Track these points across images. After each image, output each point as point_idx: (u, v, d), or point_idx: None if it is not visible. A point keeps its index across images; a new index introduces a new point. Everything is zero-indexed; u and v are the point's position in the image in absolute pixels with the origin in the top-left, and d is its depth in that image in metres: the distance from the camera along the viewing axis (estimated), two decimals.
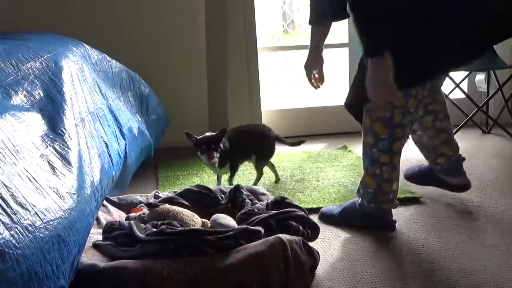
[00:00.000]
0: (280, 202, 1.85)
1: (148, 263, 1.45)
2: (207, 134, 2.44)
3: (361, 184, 2.01)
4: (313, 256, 1.64)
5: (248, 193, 1.97)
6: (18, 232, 1.07)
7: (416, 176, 2.35)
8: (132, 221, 1.66)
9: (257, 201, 1.92)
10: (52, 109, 1.61)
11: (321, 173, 2.68)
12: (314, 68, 2.16)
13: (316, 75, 2.17)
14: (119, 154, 2.02)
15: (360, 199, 2.02)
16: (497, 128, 3.35)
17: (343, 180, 2.55)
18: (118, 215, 1.97)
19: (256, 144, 2.53)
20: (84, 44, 2.33)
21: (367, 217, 2.00)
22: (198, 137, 2.38)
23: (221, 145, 2.37)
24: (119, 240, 1.60)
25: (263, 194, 2.06)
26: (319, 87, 2.21)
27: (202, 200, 1.96)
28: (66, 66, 1.92)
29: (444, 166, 2.19)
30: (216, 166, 2.40)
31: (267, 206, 1.84)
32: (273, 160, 2.60)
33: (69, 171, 1.41)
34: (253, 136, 2.54)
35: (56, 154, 1.42)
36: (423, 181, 2.33)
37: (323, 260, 1.76)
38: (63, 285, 1.20)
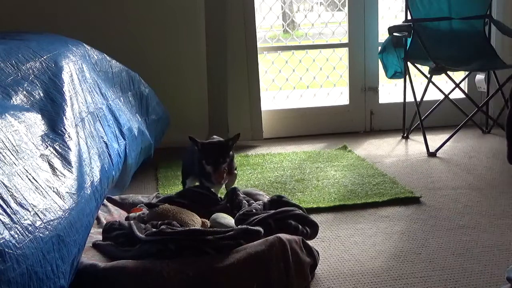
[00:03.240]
0: (277, 201, 1.85)
1: (148, 263, 1.45)
2: (215, 138, 2.08)
3: None
4: (313, 256, 1.64)
5: (244, 195, 1.97)
6: (18, 232, 1.07)
7: None
8: (132, 221, 1.66)
9: (253, 201, 1.92)
10: (52, 109, 1.61)
11: (321, 173, 2.68)
12: None
13: None
14: (119, 154, 2.02)
15: None
16: (497, 128, 3.35)
17: (343, 180, 2.55)
18: (118, 215, 1.97)
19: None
20: (84, 44, 2.33)
21: None
22: (203, 141, 1.98)
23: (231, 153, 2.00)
24: (119, 240, 1.60)
25: (259, 194, 2.06)
26: None
27: (201, 200, 1.96)
28: (66, 66, 1.92)
29: None
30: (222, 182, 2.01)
31: (264, 206, 1.84)
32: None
33: (69, 171, 1.41)
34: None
35: (56, 154, 1.42)
36: None
37: (323, 260, 1.76)
38: (63, 285, 1.20)
